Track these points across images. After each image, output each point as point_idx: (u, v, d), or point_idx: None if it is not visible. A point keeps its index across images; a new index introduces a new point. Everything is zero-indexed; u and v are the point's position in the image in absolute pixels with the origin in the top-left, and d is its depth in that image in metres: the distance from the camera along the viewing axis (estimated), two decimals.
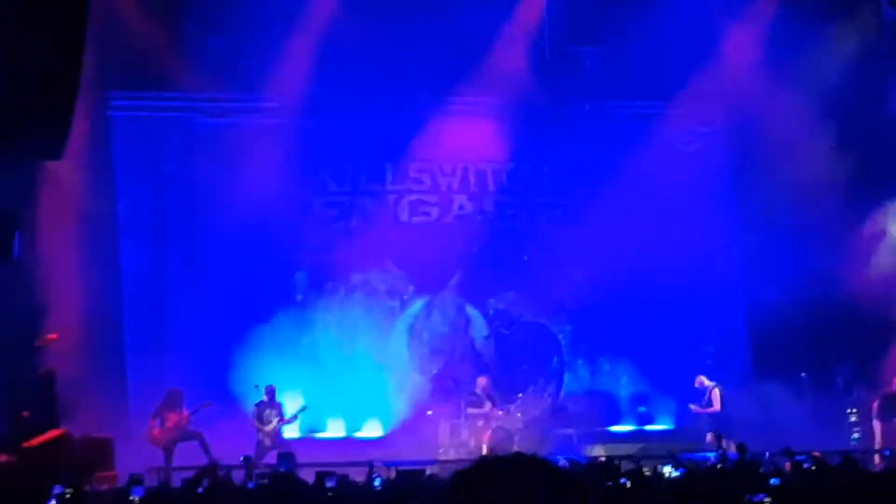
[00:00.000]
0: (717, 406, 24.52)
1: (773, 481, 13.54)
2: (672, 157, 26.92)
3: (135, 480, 15.96)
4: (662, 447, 23.26)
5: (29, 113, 18.89)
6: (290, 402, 24.08)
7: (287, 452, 18.17)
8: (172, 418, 23.22)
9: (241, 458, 18.01)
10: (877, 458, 22.76)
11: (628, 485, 13.38)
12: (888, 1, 26.29)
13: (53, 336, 22.39)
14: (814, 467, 16.12)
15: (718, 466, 17.78)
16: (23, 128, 19.18)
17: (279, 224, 25.78)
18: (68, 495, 14.04)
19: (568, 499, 2.96)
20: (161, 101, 25.58)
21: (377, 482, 16.42)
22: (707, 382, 24.79)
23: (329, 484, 13.09)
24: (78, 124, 21.50)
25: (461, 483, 3.03)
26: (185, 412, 23.25)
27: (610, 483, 12.85)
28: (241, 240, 25.24)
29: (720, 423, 23.92)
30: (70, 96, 19.12)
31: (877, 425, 24.27)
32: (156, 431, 23.06)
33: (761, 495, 11.93)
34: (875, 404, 24.45)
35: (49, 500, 13.46)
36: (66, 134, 21.94)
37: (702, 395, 24.69)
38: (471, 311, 27.10)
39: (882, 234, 26.37)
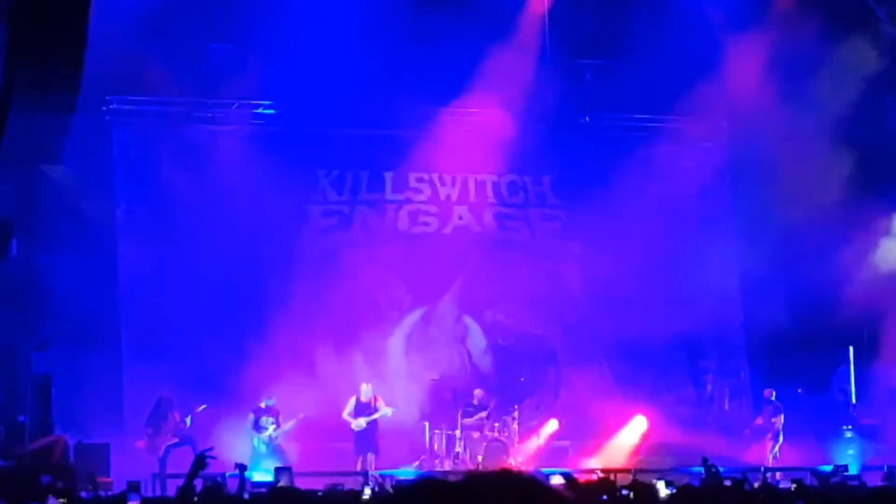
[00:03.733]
0: (386, 411, 24.33)
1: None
2: (671, 170, 26.92)
3: (132, 487, 15.87)
4: (657, 461, 23.19)
5: (28, 117, 18.91)
6: (286, 411, 24.02)
7: (284, 467, 18.10)
8: (165, 426, 23.15)
9: (235, 466, 17.82)
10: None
11: (630, 496, 13.26)
12: (889, 20, 26.24)
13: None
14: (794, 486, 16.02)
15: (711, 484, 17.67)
16: (22, 131, 19.18)
17: (277, 232, 25.76)
18: (63, 502, 13.99)
19: None
20: (160, 107, 25.54)
21: (368, 492, 16.37)
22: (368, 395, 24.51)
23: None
24: (77, 128, 21.56)
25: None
26: (177, 417, 23.18)
27: (605, 497, 12.72)
28: (239, 246, 25.18)
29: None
30: (70, 100, 19.13)
31: None
32: (147, 440, 23.02)
33: None
34: None
35: None
36: (65, 137, 21.99)
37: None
38: (469, 322, 27.06)
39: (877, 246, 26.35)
